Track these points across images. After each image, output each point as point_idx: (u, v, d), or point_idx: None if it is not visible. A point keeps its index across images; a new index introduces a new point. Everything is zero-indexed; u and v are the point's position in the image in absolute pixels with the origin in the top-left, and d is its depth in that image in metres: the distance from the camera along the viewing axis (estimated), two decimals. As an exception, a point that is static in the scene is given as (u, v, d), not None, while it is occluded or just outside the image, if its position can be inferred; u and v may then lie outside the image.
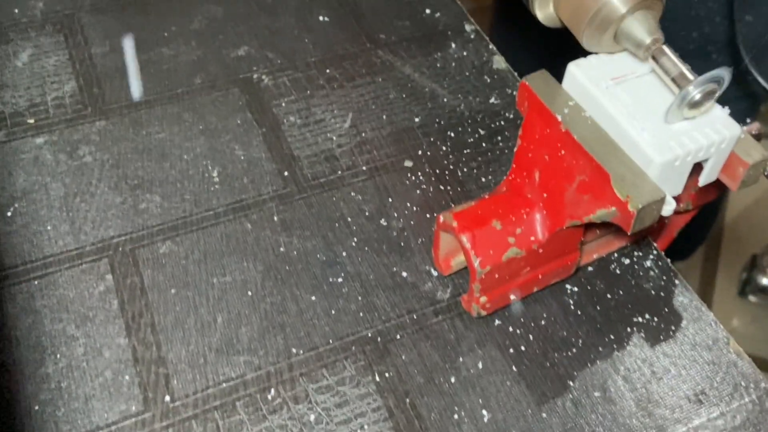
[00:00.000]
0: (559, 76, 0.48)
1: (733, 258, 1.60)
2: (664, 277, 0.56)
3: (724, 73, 0.42)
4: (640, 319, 0.54)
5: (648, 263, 0.57)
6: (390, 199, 0.60)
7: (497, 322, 0.54)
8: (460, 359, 0.52)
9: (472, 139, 0.65)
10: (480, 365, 0.51)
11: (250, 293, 0.54)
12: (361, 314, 0.54)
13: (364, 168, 0.62)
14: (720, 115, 0.45)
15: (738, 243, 1.63)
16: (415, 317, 0.54)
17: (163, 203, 0.59)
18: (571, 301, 0.55)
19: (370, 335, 0.53)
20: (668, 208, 0.44)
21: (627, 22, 0.44)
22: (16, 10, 0.73)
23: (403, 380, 0.51)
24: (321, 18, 0.75)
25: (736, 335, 0.53)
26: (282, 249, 0.57)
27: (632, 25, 0.44)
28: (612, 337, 0.53)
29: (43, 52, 0.70)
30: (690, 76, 0.43)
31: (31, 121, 0.64)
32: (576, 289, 0.55)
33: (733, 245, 1.63)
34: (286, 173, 0.62)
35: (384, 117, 0.66)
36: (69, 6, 0.74)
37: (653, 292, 0.56)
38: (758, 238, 1.64)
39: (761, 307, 1.54)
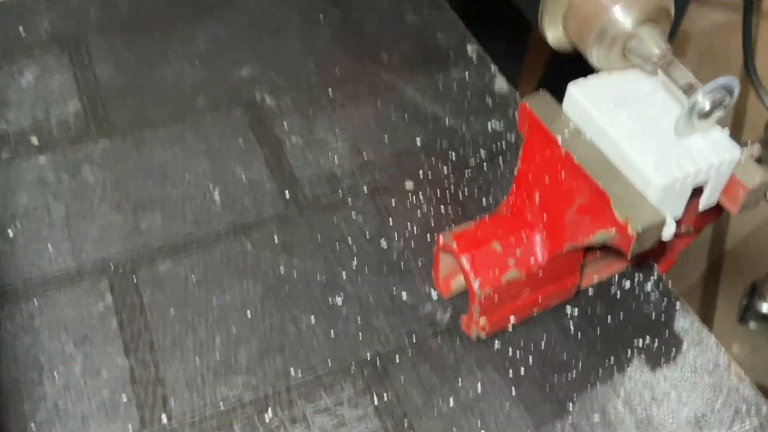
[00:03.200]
0: None
1: (733, 285, 1.59)
2: (665, 301, 0.56)
3: (734, 83, 0.42)
4: (640, 343, 0.54)
5: (649, 286, 0.57)
6: (391, 221, 0.60)
7: (497, 344, 0.53)
8: (459, 382, 0.51)
9: (473, 161, 0.65)
10: (479, 388, 0.51)
11: (249, 314, 0.54)
12: (360, 336, 0.53)
13: (365, 189, 0.62)
14: (720, 137, 0.45)
15: (738, 269, 1.63)
16: (414, 339, 0.53)
17: (164, 223, 0.59)
18: (571, 324, 0.55)
19: (369, 357, 0.53)
20: (668, 231, 0.44)
21: (635, 38, 0.45)
22: (22, 30, 0.74)
23: (401, 402, 0.50)
24: (324, 39, 0.75)
25: (736, 362, 0.53)
26: (282, 270, 0.57)
27: (640, 40, 0.44)
28: (612, 360, 0.53)
29: (47, 71, 0.70)
30: (698, 85, 0.43)
31: (35, 140, 0.65)
32: (576, 311, 0.55)
33: (733, 272, 1.62)
34: (287, 194, 0.62)
35: (385, 138, 0.66)
36: (74, 26, 0.75)
37: (654, 316, 0.55)
38: (758, 265, 1.63)
39: (761, 334, 1.53)
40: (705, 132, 0.45)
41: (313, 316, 0.54)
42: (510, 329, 0.54)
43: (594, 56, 0.46)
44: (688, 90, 0.43)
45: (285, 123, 0.67)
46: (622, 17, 0.44)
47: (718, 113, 0.43)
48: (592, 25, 0.45)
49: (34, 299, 0.54)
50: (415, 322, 0.54)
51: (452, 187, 0.63)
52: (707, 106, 0.42)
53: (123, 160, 0.63)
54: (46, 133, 0.65)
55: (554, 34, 0.49)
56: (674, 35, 1.30)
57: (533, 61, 1.27)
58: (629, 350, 0.53)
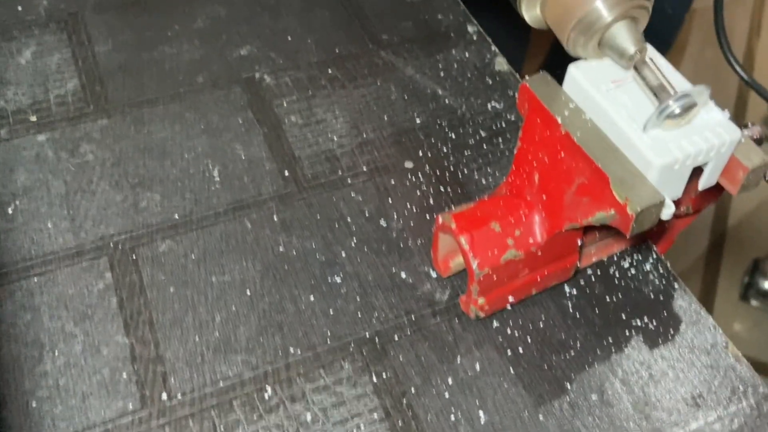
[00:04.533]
0: None
1: (735, 262, 1.60)
2: (664, 281, 0.56)
3: (704, 89, 0.42)
4: (638, 323, 0.54)
5: (647, 267, 0.57)
6: (390, 200, 0.60)
7: (495, 324, 0.54)
8: (458, 361, 0.52)
9: (472, 141, 0.65)
10: (477, 367, 0.51)
11: (248, 292, 0.54)
12: (359, 315, 0.54)
13: (364, 169, 0.62)
14: (720, 118, 0.45)
15: (740, 247, 1.63)
16: (413, 318, 0.54)
17: (163, 202, 0.59)
18: (570, 304, 0.55)
19: (368, 336, 0.53)
20: (667, 212, 0.44)
21: (612, 31, 0.45)
22: (20, 8, 0.73)
23: (400, 381, 0.51)
24: (324, 18, 0.75)
25: (737, 339, 0.53)
26: (281, 249, 0.57)
27: (617, 34, 0.45)
28: (610, 340, 0.53)
29: (46, 49, 0.70)
30: (670, 89, 0.43)
31: (34, 118, 0.64)
32: (575, 291, 0.55)
33: (735, 249, 1.63)
34: (286, 173, 0.62)
35: (385, 118, 0.66)
36: (73, 4, 0.74)
37: (652, 296, 0.55)
38: (760, 243, 1.63)
39: (763, 312, 1.54)
40: (705, 113, 0.45)
41: (312, 295, 0.54)
42: (509, 309, 0.54)
43: (570, 44, 0.46)
44: (659, 91, 0.43)
45: (284, 102, 0.67)
46: (603, 10, 0.44)
47: (688, 116, 0.44)
48: (571, 15, 0.45)
49: (34, 277, 0.55)
50: (414, 301, 0.55)
51: (451, 166, 0.63)
52: (677, 111, 0.43)
53: (122, 138, 0.63)
54: (45, 112, 0.65)
55: (531, 16, 0.49)
56: (670, 45, 1.30)
57: (536, 44, 1.26)
58: (627, 330, 0.54)
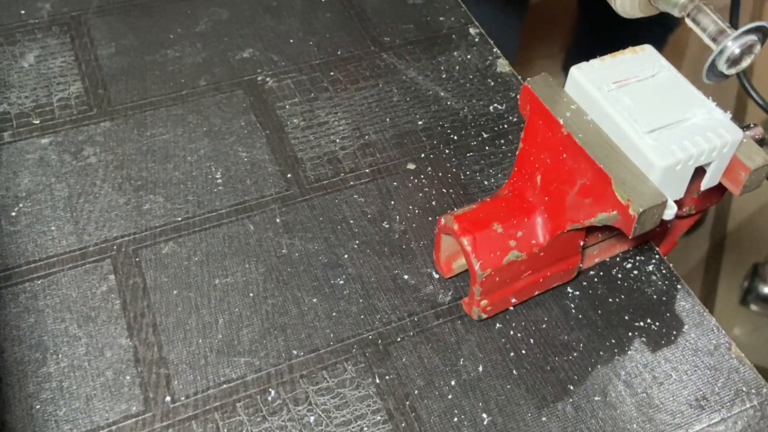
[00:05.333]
0: None
1: (735, 267, 1.59)
2: (666, 282, 0.56)
3: (764, 26, 0.41)
4: (641, 324, 0.54)
5: (650, 268, 0.57)
6: (392, 202, 0.60)
7: (498, 325, 0.54)
8: (461, 362, 0.52)
9: (475, 143, 0.65)
10: (480, 368, 0.51)
11: (251, 295, 0.55)
12: (362, 316, 0.54)
13: (366, 170, 0.62)
14: (722, 118, 0.45)
15: (740, 252, 1.63)
16: (416, 320, 0.54)
17: (166, 204, 0.60)
18: (573, 305, 0.55)
19: (370, 337, 0.53)
20: (670, 213, 0.44)
21: None
22: (23, 12, 0.74)
23: (403, 383, 0.51)
24: (326, 20, 0.75)
25: (737, 344, 0.53)
26: (284, 251, 0.57)
27: None
28: (613, 341, 0.53)
29: (49, 53, 0.70)
30: (729, 31, 0.42)
31: (37, 121, 0.65)
32: (577, 293, 0.55)
33: (734, 254, 1.63)
34: (289, 175, 0.62)
35: (387, 120, 0.66)
36: (76, 7, 0.74)
37: (655, 297, 0.55)
38: (760, 247, 1.63)
39: (763, 316, 1.54)
40: (707, 114, 0.45)
41: (315, 297, 0.55)
42: (511, 310, 0.54)
43: (620, 2, 0.46)
44: (718, 36, 0.42)
45: (286, 104, 0.67)
46: None
47: (748, 60, 0.42)
48: None
49: (38, 280, 0.55)
50: (417, 303, 0.55)
51: (454, 168, 0.63)
52: (737, 52, 0.42)
53: (125, 141, 0.64)
54: (48, 115, 0.65)
55: None
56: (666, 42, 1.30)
57: (528, 39, 1.26)
58: (630, 331, 0.54)
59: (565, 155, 0.47)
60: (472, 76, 0.70)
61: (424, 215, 0.59)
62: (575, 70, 0.47)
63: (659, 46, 0.48)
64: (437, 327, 0.53)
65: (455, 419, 0.49)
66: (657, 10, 0.46)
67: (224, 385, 0.50)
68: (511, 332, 0.53)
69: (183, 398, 0.50)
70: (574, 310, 0.54)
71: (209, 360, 0.51)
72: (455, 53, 0.72)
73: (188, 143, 0.64)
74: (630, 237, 0.44)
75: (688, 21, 0.44)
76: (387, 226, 0.59)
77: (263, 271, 0.56)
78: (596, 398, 0.50)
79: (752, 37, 0.41)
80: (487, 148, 0.64)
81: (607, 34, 1.20)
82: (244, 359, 0.51)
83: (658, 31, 1.25)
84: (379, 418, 0.49)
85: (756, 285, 1.53)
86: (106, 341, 0.52)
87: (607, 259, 0.57)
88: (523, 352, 0.52)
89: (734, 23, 0.57)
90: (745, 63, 0.43)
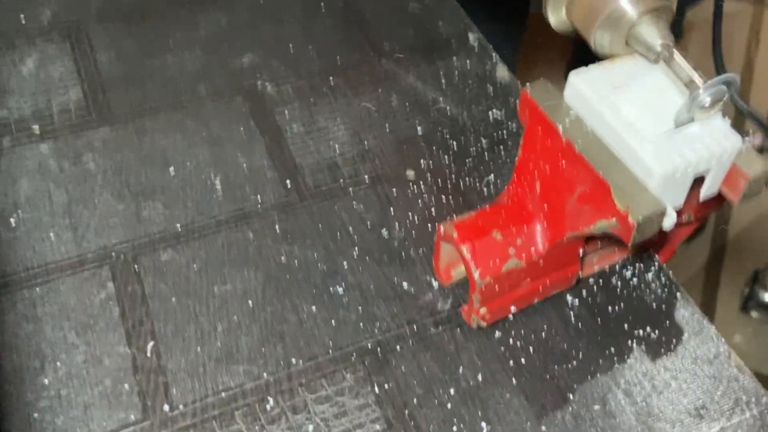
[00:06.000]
0: None
1: (735, 274, 1.59)
2: (666, 290, 0.56)
3: (734, 78, 0.42)
4: (641, 332, 0.54)
5: (649, 276, 0.57)
6: (391, 209, 0.60)
7: (497, 333, 0.53)
8: (460, 371, 0.51)
9: (474, 150, 0.64)
10: (480, 377, 0.51)
11: (250, 302, 0.54)
12: (361, 325, 0.54)
13: (366, 178, 0.62)
14: (721, 126, 0.45)
15: (740, 259, 1.62)
16: (415, 328, 0.54)
17: (165, 211, 0.59)
18: (572, 314, 0.55)
19: (369, 346, 0.53)
20: (669, 221, 0.44)
21: (638, 27, 0.45)
22: (23, 18, 0.74)
23: (402, 391, 0.50)
24: (325, 27, 0.75)
25: (737, 351, 0.53)
26: (283, 258, 0.57)
27: (643, 29, 0.45)
28: (612, 350, 0.53)
29: (48, 59, 0.70)
30: (699, 81, 0.43)
31: (36, 128, 0.64)
32: (577, 301, 0.55)
33: (735, 261, 1.62)
34: (288, 182, 0.62)
35: (387, 126, 0.66)
36: (75, 14, 0.74)
37: (654, 305, 0.55)
38: (760, 254, 1.63)
39: (763, 323, 1.53)
40: (706, 121, 0.45)
41: (314, 305, 0.54)
42: (510, 318, 0.54)
43: (597, 42, 0.47)
44: (689, 84, 0.43)
45: (286, 111, 0.67)
46: (629, 7, 0.45)
47: (718, 107, 0.44)
48: (597, 13, 0.45)
49: (36, 287, 0.55)
50: (416, 311, 0.54)
51: (453, 176, 0.63)
52: (707, 102, 0.43)
53: (124, 147, 0.63)
54: (47, 121, 0.65)
55: (557, 19, 0.49)
56: (679, 36, 1.30)
57: (529, 45, 1.26)
58: (630, 340, 0.53)
59: (564, 163, 0.47)
60: (472, 83, 0.70)
61: (423, 223, 0.59)
62: (574, 76, 0.47)
63: None
64: (436, 335, 0.53)
65: (454, 428, 0.49)
66: (634, 51, 0.47)
67: (223, 394, 0.50)
68: (511, 340, 0.53)
69: (181, 407, 0.49)
70: (573, 319, 0.54)
71: (208, 368, 0.51)
72: (455, 60, 0.72)
73: (187, 150, 0.64)
74: (629, 245, 0.44)
75: (662, 64, 0.46)
76: (386, 233, 0.59)
77: (262, 279, 0.56)
78: (595, 407, 0.50)
79: (722, 90, 0.43)
80: (486, 155, 0.64)
81: None
82: (243, 367, 0.51)
83: None
84: (378, 426, 0.49)
85: (756, 292, 1.53)
86: (105, 349, 0.52)
87: (607, 268, 0.57)
88: (523, 360, 0.52)
89: (717, 60, 0.59)
90: (714, 110, 0.44)
